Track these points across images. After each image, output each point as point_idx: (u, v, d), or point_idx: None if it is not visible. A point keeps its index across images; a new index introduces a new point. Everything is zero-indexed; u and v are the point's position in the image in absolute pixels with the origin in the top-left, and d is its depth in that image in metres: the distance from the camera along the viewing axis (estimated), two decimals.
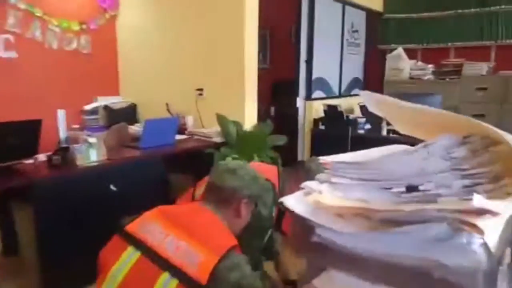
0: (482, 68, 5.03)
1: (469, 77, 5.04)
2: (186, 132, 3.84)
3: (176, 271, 1.22)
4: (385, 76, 5.54)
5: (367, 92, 1.15)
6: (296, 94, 4.73)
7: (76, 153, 2.61)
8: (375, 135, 4.14)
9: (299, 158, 4.72)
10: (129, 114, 4.29)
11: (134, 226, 1.43)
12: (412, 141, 4.13)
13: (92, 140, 2.77)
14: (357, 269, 0.79)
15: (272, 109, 5.77)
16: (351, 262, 0.79)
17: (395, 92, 4.61)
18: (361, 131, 4.26)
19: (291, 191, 2.36)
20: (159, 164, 3.42)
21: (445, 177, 0.82)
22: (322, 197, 0.85)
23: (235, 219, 1.57)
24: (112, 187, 2.82)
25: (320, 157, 0.99)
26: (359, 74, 5.75)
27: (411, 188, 0.82)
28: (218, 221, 1.45)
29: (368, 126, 4.39)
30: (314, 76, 4.77)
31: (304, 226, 0.85)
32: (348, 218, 0.80)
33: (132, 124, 3.99)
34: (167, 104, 4.04)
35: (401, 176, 0.84)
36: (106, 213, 2.74)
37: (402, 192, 0.82)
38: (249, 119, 3.88)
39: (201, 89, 4.00)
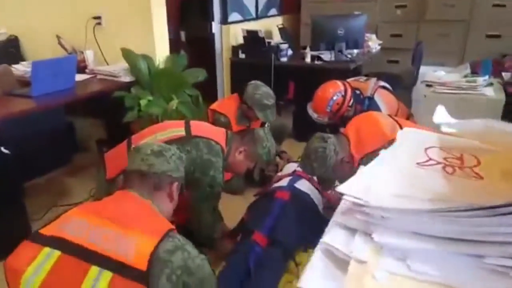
0: None
1: None
2: (87, 70, 3.23)
3: (107, 262, 1.06)
4: None
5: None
6: (210, 17, 4.21)
7: None
8: (300, 63, 3.86)
9: (219, 93, 4.34)
10: (10, 50, 3.50)
11: (50, 228, 1.20)
12: (341, 68, 3.85)
13: None
14: None
15: (182, 34, 5.17)
16: None
17: (316, 14, 4.31)
18: (284, 59, 3.95)
19: (234, 156, 2.13)
20: (59, 114, 2.87)
21: None
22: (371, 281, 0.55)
23: (167, 204, 1.45)
24: (3, 150, 2.27)
25: (340, 188, 0.67)
26: None
27: None
28: (149, 206, 1.30)
29: (290, 53, 4.10)
30: None
31: None
32: None
33: (15, 63, 3.26)
34: (58, 37, 3.34)
35: (497, 237, 0.55)
36: None
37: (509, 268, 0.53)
38: (160, 51, 3.37)
39: (98, 17, 3.34)
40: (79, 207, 1.31)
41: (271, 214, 2.24)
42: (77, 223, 1.19)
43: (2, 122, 2.23)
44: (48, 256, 1.11)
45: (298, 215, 2.27)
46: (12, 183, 2.34)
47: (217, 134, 2.08)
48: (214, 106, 3.01)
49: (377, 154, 1.85)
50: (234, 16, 4.40)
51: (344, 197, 0.66)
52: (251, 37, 4.01)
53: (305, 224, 2.30)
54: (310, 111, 2.92)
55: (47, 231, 1.19)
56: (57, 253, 1.11)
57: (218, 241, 2.24)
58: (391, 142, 1.88)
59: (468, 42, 4.55)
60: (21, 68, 3.17)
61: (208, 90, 3.57)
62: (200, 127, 2.08)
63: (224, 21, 4.27)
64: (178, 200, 2.16)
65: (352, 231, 0.66)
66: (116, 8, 3.28)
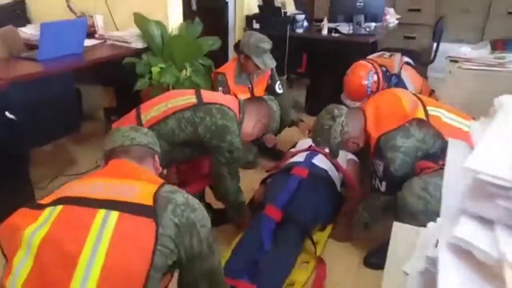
0: None
1: None
2: (96, 35, 3.11)
3: (113, 204, 1.06)
4: None
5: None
6: None
7: None
8: (316, 35, 3.72)
9: None
10: (16, 12, 3.37)
11: (48, 198, 1.13)
12: (360, 41, 3.69)
13: None
14: None
15: (193, 2, 4.99)
16: None
17: None
18: (300, 30, 3.80)
19: (251, 128, 2.03)
20: (66, 80, 2.75)
21: None
22: None
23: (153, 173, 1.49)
24: (9, 115, 2.17)
25: (469, 164, 0.50)
26: None
27: None
28: (143, 168, 1.34)
29: (306, 24, 3.95)
30: None
31: None
32: None
33: (22, 25, 3.14)
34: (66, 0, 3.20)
35: None
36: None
37: None
38: (173, 18, 3.23)
39: None
40: (76, 179, 1.29)
41: (287, 189, 2.17)
42: (77, 186, 1.17)
43: (7, 86, 2.13)
44: (51, 212, 1.06)
45: (315, 192, 2.20)
46: (17, 150, 2.25)
47: (230, 101, 2.02)
48: (217, 70, 2.94)
49: (397, 133, 1.76)
50: None
51: (480, 176, 0.49)
52: (267, 6, 3.85)
53: (322, 202, 2.22)
54: (347, 101, 2.70)
55: (45, 201, 1.13)
56: (59, 207, 1.07)
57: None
58: (411, 121, 1.80)
59: (489, 18, 4.37)
60: (28, 31, 3.05)
61: (220, 61, 3.44)
62: (211, 95, 2.03)
63: None
64: (193, 169, 2.13)
65: (486, 222, 0.51)
66: None
